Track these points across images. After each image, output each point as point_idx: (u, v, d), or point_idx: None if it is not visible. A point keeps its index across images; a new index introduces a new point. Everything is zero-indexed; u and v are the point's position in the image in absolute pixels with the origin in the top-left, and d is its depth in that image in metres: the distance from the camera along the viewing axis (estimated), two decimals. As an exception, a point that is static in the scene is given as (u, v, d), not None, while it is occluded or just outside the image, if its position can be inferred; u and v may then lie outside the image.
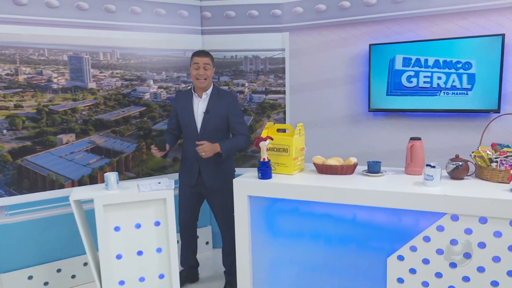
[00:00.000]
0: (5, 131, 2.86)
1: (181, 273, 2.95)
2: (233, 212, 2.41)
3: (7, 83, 2.84)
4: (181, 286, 2.80)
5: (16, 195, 2.92)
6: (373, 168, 2.31)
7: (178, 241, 2.60)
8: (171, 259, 2.39)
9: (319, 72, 3.44)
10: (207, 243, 3.83)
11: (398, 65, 3.04)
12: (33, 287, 3.02)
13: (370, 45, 3.13)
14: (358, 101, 3.31)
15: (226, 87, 3.65)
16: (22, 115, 2.90)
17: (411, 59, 3.00)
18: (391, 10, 3.11)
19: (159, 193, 2.32)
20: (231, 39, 3.57)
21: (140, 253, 2.37)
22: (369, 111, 3.22)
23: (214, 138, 2.72)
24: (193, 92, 2.83)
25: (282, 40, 3.52)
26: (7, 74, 2.84)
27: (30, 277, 3.00)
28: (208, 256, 3.73)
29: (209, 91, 2.81)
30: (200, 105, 2.80)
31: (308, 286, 2.32)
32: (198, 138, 2.73)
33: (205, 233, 3.80)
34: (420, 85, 3.00)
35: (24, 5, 2.82)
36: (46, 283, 3.07)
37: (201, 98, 2.80)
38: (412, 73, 3.01)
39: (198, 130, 2.78)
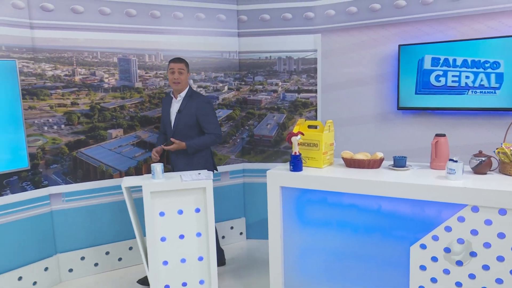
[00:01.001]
0: (63, 126, 3.19)
1: None
2: None
3: (65, 83, 3.18)
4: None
5: (72, 183, 3.25)
6: (399, 162, 2.44)
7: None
8: (209, 243, 2.62)
9: (349, 71, 3.58)
10: (241, 233, 4.05)
11: (427, 65, 3.14)
12: (85, 267, 3.35)
13: (399, 45, 3.25)
14: (387, 99, 3.43)
15: (260, 87, 3.86)
16: (77, 112, 3.23)
17: (439, 59, 3.09)
18: (421, 12, 3.21)
19: (200, 182, 2.56)
20: (265, 41, 3.78)
21: (181, 236, 2.61)
22: (398, 109, 3.33)
23: (185, 134, 3.06)
24: (171, 94, 3.17)
25: (314, 41, 3.68)
26: (66, 75, 3.17)
27: (82, 258, 3.33)
28: (242, 246, 3.95)
29: (183, 93, 3.09)
30: (175, 106, 3.12)
31: (335, 272, 2.48)
32: (172, 135, 3.09)
33: (239, 224, 4.03)
34: (448, 84, 3.09)
35: (81, 13, 3.14)
36: (96, 264, 3.39)
37: (176, 99, 3.11)
38: (441, 73, 3.10)
39: (173, 127, 3.11)
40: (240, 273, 3.34)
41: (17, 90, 2.93)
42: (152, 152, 3.16)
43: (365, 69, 3.51)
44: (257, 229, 4.00)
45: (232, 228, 3.99)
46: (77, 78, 3.22)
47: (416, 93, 3.23)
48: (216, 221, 2.88)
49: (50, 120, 3.14)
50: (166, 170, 3.22)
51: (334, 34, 3.62)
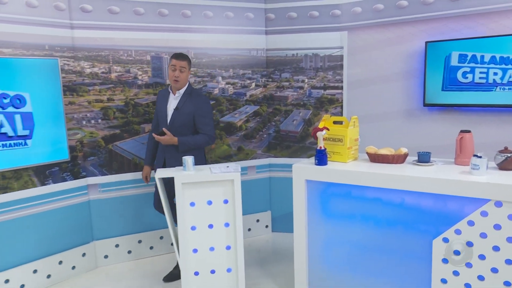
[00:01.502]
0: (99, 120, 3.38)
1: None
2: None
3: (102, 80, 3.36)
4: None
5: (107, 175, 3.44)
6: (423, 158, 2.49)
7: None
8: (237, 232, 2.74)
9: (375, 68, 3.62)
10: (266, 226, 4.16)
11: (454, 62, 3.15)
12: (119, 254, 3.54)
13: (426, 42, 3.26)
14: (413, 96, 3.45)
15: (287, 83, 3.95)
16: (113, 107, 3.41)
17: (467, 55, 3.09)
18: (449, 8, 3.22)
19: (228, 175, 2.68)
20: (292, 39, 3.86)
21: (210, 226, 2.74)
22: (424, 106, 3.35)
23: (181, 132, 2.98)
24: (169, 89, 3.10)
25: (340, 38, 3.74)
26: (102, 73, 3.36)
27: (116, 245, 3.53)
28: (267, 238, 4.06)
29: (182, 90, 3.02)
30: (172, 102, 3.04)
31: (358, 264, 2.55)
32: (168, 131, 2.97)
33: (265, 217, 4.14)
34: (475, 81, 3.09)
35: (117, 13, 3.31)
36: (129, 252, 3.58)
37: (174, 95, 3.04)
38: (468, 69, 3.10)
39: (169, 124, 3.03)
40: (266, 264, 3.45)
41: (59, 87, 3.13)
42: (142, 174, 3.26)
43: (391, 66, 3.54)
44: (282, 222, 4.10)
45: (258, 221, 4.10)
46: (113, 75, 3.40)
47: (442, 90, 3.24)
48: (242, 214, 2.98)
49: (88, 115, 3.34)
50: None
51: (361, 31, 3.66)
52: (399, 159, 2.53)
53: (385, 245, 2.44)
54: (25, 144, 2.98)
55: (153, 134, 2.95)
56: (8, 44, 2.88)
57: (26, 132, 2.97)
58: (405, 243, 2.37)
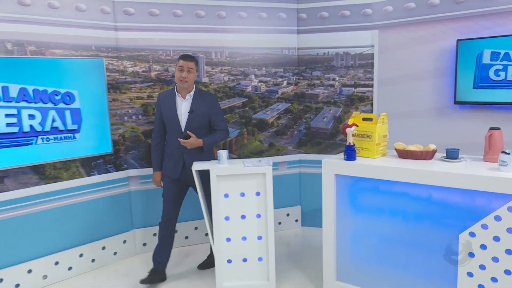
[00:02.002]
0: (140, 116, 3.60)
1: (150, 271, 3.14)
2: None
3: (142, 78, 3.58)
4: (145, 281, 3.06)
5: (147, 167, 3.66)
6: (452, 154, 2.54)
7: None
8: (268, 224, 2.87)
9: (406, 66, 3.66)
10: (296, 220, 4.28)
11: (486, 59, 3.15)
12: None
13: (458, 40, 3.28)
14: (444, 94, 3.47)
15: (318, 81, 4.04)
16: (152, 104, 3.62)
17: (499, 53, 3.09)
18: (481, 6, 3.22)
19: (261, 168, 2.82)
20: (323, 37, 3.95)
21: (243, 217, 2.89)
22: (455, 103, 3.37)
23: (198, 135, 2.97)
24: (176, 93, 3.02)
25: (371, 37, 3.79)
26: (143, 71, 3.57)
27: (154, 234, 3.74)
28: (297, 232, 4.18)
29: (192, 92, 3.01)
30: (184, 105, 3.00)
31: (386, 257, 2.63)
32: (182, 136, 2.97)
33: (295, 212, 4.26)
34: (508, 79, 3.09)
35: (157, 15, 3.52)
36: (173, 238, 3.79)
37: (184, 99, 3.00)
38: (500, 67, 3.10)
39: (183, 128, 2.99)
40: (295, 257, 3.57)
41: (104, 85, 3.36)
42: (153, 180, 3.22)
43: (422, 64, 3.57)
44: (312, 217, 4.21)
45: (288, 215, 4.23)
46: (153, 74, 3.61)
47: (474, 88, 3.25)
48: (273, 209, 3.11)
49: (130, 111, 3.56)
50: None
51: (392, 30, 3.70)
52: (427, 155, 2.59)
53: (412, 239, 2.51)
54: (74, 137, 3.23)
55: (179, 139, 2.94)
56: (59, 45, 3.14)
57: (75, 127, 3.22)
58: (432, 237, 2.43)
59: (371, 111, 3.87)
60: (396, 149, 2.71)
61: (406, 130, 3.65)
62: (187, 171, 3.02)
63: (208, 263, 3.37)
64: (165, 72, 3.65)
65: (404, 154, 2.67)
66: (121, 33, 3.44)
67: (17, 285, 3.04)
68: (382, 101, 3.82)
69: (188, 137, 2.95)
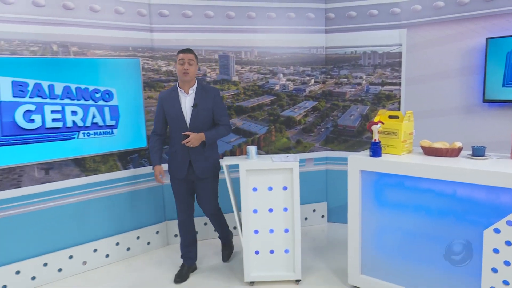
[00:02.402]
0: (173, 113, 3.76)
1: (181, 267, 3.28)
2: (217, 198, 3.21)
3: (175, 77, 3.75)
4: (181, 279, 3.16)
5: (179, 162, 3.82)
6: (478, 152, 2.56)
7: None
8: (294, 217, 2.98)
9: (434, 65, 3.67)
10: (322, 216, 4.36)
11: (516, 58, 3.14)
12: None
13: (487, 38, 3.28)
14: (472, 92, 3.47)
15: (345, 80, 4.11)
16: (185, 101, 3.78)
17: (530, 51, 3.08)
18: (511, 4, 3.20)
19: (288, 164, 2.93)
20: (351, 37, 4.01)
21: (270, 210, 3.01)
22: (483, 102, 3.36)
23: (202, 129, 2.98)
24: (179, 89, 3.02)
25: (399, 36, 3.83)
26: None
27: (185, 226, 3.91)
28: (323, 228, 4.26)
29: (194, 87, 3.01)
30: (187, 100, 2.99)
31: (410, 251, 2.68)
32: (188, 131, 2.96)
33: (321, 208, 4.34)
34: (538, 77, 3.07)
35: (189, 17, 3.68)
36: (196, 233, 3.96)
37: (187, 94, 2.99)
38: (531, 65, 3.09)
39: (188, 123, 2.98)
40: (321, 251, 3.66)
41: (140, 83, 3.56)
42: (155, 175, 3.12)
43: (450, 62, 3.58)
44: (338, 213, 4.28)
45: (314, 211, 4.32)
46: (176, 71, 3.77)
47: (503, 86, 3.24)
48: (300, 204, 3.19)
49: (163, 108, 3.74)
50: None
51: (420, 28, 3.72)
52: (453, 152, 2.63)
53: (436, 234, 2.55)
54: (112, 133, 3.43)
55: (183, 142, 2.94)
56: (100, 46, 3.35)
57: (113, 122, 3.42)
58: (456, 233, 2.47)
59: (399, 109, 3.90)
60: (422, 147, 2.76)
61: (434, 128, 3.67)
62: (194, 169, 3.04)
63: (227, 254, 3.52)
64: (197, 71, 3.80)
65: (429, 151, 2.71)
66: (156, 34, 3.62)
67: (60, 269, 3.27)
68: (410, 99, 3.85)
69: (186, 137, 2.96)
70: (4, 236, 3.01)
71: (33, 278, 3.15)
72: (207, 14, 3.73)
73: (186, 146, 2.97)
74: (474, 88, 3.46)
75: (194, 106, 2.97)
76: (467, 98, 3.51)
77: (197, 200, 3.24)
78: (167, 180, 3.34)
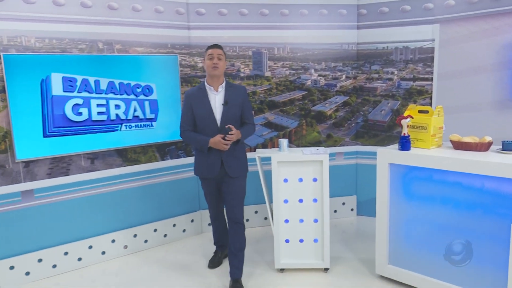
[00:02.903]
0: (208, 107, 3.95)
1: (215, 253, 3.45)
2: (243, 200, 3.00)
3: (211, 73, 3.93)
4: (215, 265, 3.35)
5: (213, 154, 4.00)
6: (508, 146, 2.58)
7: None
8: (324, 208, 3.09)
9: (468, 60, 3.66)
10: (351, 209, 4.44)
11: (552, 53, 3.10)
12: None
13: (522, 33, 3.25)
14: (506, 87, 3.45)
15: (376, 75, 4.15)
16: (219, 96, 3.95)
17: None
18: (549, -2, 3.17)
19: (318, 156, 3.03)
20: (383, 32, 4.05)
21: (301, 200, 3.13)
22: (517, 97, 3.35)
23: (231, 125, 2.84)
24: (208, 86, 2.93)
25: (432, 31, 3.83)
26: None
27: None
28: (352, 221, 4.34)
29: (224, 84, 2.95)
30: (217, 98, 2.90)
31: (437, 243, 2.73)
32: (218, 129, 2.85)
33: (350, 201, 4.42)
34: None
35: (225, 15, 3.84)
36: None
37: (217, 91, 2.91)
38: None
39: (218, 121, 2.88)
40: (349, 242, 3.75)
41: (177, 79, 3.75)
42: (218, 141, 2.80)
43: (483, 57, 3.56)
44: (367, 207, 4.34)
45: (343, 204, 4.40)
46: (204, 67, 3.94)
47: (538, 81, 3.21)
48: (329, 195, 3.28)
49: (199, 102, 3.92)
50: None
51: (454, 23, 3.72)
52: (482, 147, 2.65)
53: (463, 227, 2.59)
54: (151, 125, 3.65)
55: (226, 137, 2.78)
56: (140, 44, 3.56)
57: (152, 116, 3.63)
58: (483, 226, 2.51)
59: (430, 105, 3.91)
60: (451, 141, 2.80)
61: (466, 123, 3.67)
62: (225, 169, 2.93)
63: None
64: (232, 67, 3.96)
65: (459, 146, 2.75)
66: (193, 32, 3.80)
67: (103, 252, 3.52)
68: (442, 94, 3.85)
69: (225, 132, 2.80)
70: (54, 220, 3.28)
71: (79, 259, 3.42)
72: (241, 12, 3.88)
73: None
74: (508, 83, 3.43)
75: (225, 104, 2.89)
76: (500, 93, 3.49)
77: (225, 202, 3.06)
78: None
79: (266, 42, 3.97)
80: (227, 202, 3.00)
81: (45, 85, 3.10)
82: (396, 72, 4.07)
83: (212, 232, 3.45)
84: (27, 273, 3.19)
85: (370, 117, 4.24)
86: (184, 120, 2.98)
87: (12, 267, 3.12)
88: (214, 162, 2.93)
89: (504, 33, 3.43)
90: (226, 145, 2.81)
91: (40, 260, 3.23)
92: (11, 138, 3.03)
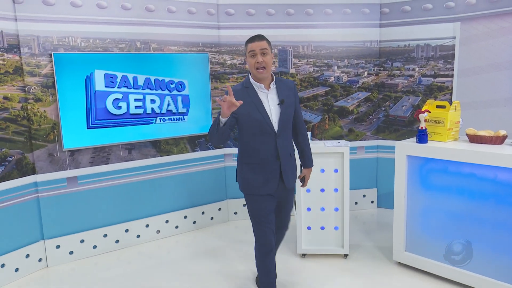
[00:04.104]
0: (235, 103, 4.19)
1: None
2: (291, 210, 2.69)
3: (239, 70, 4.16)
4: None
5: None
6: (521, 140, 2.71)
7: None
8: (344, 198, 3.28)
9: (487, 57, 3.76)
10: (372, 202, 4.60)
11: None
12: (246, 213, 4.32)
13: (542, 31, 3.33)
14: (525, 84, 3.54)
15: (398, 72, 4.29)
16: (246, 92, 4.18)
17: None
18: None
19: (339, 148, 3.22)
20: (405, 30, 4.18)
21: (322, 190, 3.33)
22: (536, 93, 3.43)
23: (286, 131, 2.46)
24: (256, 84, 2.40)
25: (453, 29, 3.94)
26: (239, 64, 4.15)
27: (244, 205, 4.33)
28: (372, 212, 4.50)
29: (274, 80, 2.44)
30: (270, 98, 2.40)
31: (452, 231, 2.88)
32: (275, 134, 2.39)
33: (371, 194, 4.58)
34: None
35: (252, 15, 4.06)
36: (254, 211, 4.37)
37: (268, 90, 2.41)
38: None
39: (275, 125, 2.39)
40: (369, 232, 3.92)
41: (208, 75, 4.00)
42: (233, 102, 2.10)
43: (504, 54, 3.65)
44: (387, 199, 4.49)
45: (364, 196, 4.56)
46: (246, 66, 4.16)
47: (557, 78, 3.29)
48: (350, 189, 3.42)
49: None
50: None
51: (474, 21, 3.82)
52: (497, 140, 2.78)
53: (477, 215, 2.74)
54: (183, 119, 3.91)
55: (302, 186, 2.72)
56: (174, 43, 3.82)
57: (184, 110, 3.90)
58: (496, 214, 2.64)
59: (450, 100, 4.02)
60: (467, 134, 2.93)
61: (485, 118, 3.77)
62: (284, 181, 2.46)
63: None
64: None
65: (474, 139, 2.88)
66: (222, 31, 4.04)
67: (138, 235, 3.82)
68: (462, 90, 3.96)
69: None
70: (94, 204, 3.59)
71: (117, 241, 3.72)
72: (268, 12, 4.09)
73: (276, 155, 2.41)
74: (527, 79, 3.53)
75: (281, 103, 2.39)
76: (519, 90, 3.59)
77: (277, 214, 2.61)
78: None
79: (292, 41, 4.18)
80: (281, 214, 2.63)
81: (89, 81, 3.40)
82: (417, 69, 4.20)
83: (259, 277, 2.66)
84: (71, 252, 3.51)
85: (391, 112, 4.38)
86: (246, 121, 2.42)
87: (58, 246, 3.45)
88: (272, 176, 2.43)
89: (525, 30, 3.52)
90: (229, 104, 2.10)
91: (82, 241, 3.55)
92: (59, 129, 3.34)
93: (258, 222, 2.49)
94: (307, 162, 2.71)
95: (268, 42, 2.38)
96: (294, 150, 2.60)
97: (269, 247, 2.51)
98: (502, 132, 2.78)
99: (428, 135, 2.99)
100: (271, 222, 2.50)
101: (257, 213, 2.49)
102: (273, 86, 2.42)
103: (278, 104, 2.40)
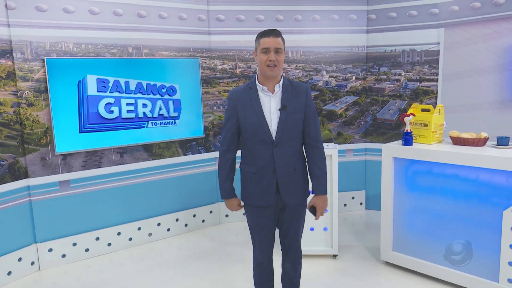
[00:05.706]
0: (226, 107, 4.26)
1: None
2: (302, 231, 2.39)
3: (229, 74, 4.23)
4: None
5: (231, 150, 4.31)
6: (502, 141, 2.82)
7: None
8: (333, 199, 3.34)
9: (470, 62, 3.89)
10: (360, 203, 4.69)
11: (548, 55, 3.32)
12: (236, 216, 4.39)
13: (521, 37, 3.47)
14: (506, 88, 3.66)
15: (384, 76, 4.41)
16: (237, 96, 4.26)
17: (562, 49, 3.24)
18: (546, 4, 3.38)
19: (328, 151, 3.29)
20: (391, 36, 4.30)
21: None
22: (517, 97, 3.56)
23: (290, 141, 2.20)
24: (260, 86, 2.19)
25: (437, 35, 4.07)
26: (230, 68, 4.22)
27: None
28: (361, 214, 4.59)
29: (281, 83, 2.20)
30: (272, 101, 2.18)
31: (437, 230, 2.98)
32: (272, 142, 2.16)
33: (359, 196, 4.67)
34: None
35: (242, 21, 4.14)
36: (244, 214, 4.42)
37: (273, 92, 2.18)
38: (563, 62, 3.25)
39: (273, 133, 2.17)
40: (358, 233, 4.01)
41: (199, 80, 4.07)
42: (231, 207, 2.32)
43: (485, 59, 3.78)
44: (376, 201, 4.58)
45: (353, 198, 4.65)
46: (238, 70, 4.25)
47: (536, 82, 3.42)
48: (339, 191, 3.51)
49: (218, 102, 4.23)
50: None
51: (458, 28, 3.95)
52: (479, 142, 2.89)
53: (460, 214, 2.83)
54: (174, 123, 3.97)
55: (316, 219, 2.30)
56: (166, 48, 3.89)
57: (176, 114, 3.96)
58: (478, 213, 2.74)
59: (435, 104, 4.14)
60: (451, 137, 3.04)
61: (468, 121, 3.89)
62: (282, 195, 2.21)
63: None
64: (248, 68, 4.26)
65: (457, 141, 2.99)
66: (213, 37, 4.11)
67: (130, 238, 3.86)
68: (446, 94, 4.08)
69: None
70: (87, 208, 3.62)
71: (109, 244, 3.75)
72: (258, 18, 4.18)
73: (272, 164, 2.18)
74: (508, 84, 3.65)
75: (283, 108, 2.16)
76: (501, 94, 3.71)
77: (280, 233, 2.39)
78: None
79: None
80: (284, 233, 2.35)
81: (81, 86, 3.45)
82: (403, 74, 4.31)
83: (254, 282, 2.51)
84: (63, 256, 3.53)
85: (378, 116, 4.49)
86: (227, 131, 2.28)
87: (50, 249, 3.47)
88: (269, 186, 2.20)
89: (504, 37, 3.65)
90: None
91: (74, 244, 3.57)
92: (52, 133, 3.38)
93: (254, 236, 2.35)
94: (315, 188, 2.27)
95: (283, 39, 2.18)
96: (302, 163, 2.28)
97: (260, 262, 2.39)
98: (484, 134, 2.89)
99: (414, 138, 3.09)
100: (266, 240, 2.31)
101: (254, 226, 2.31)
102: (278, 89, 2.19)
103: (279, 109, 2.17)
